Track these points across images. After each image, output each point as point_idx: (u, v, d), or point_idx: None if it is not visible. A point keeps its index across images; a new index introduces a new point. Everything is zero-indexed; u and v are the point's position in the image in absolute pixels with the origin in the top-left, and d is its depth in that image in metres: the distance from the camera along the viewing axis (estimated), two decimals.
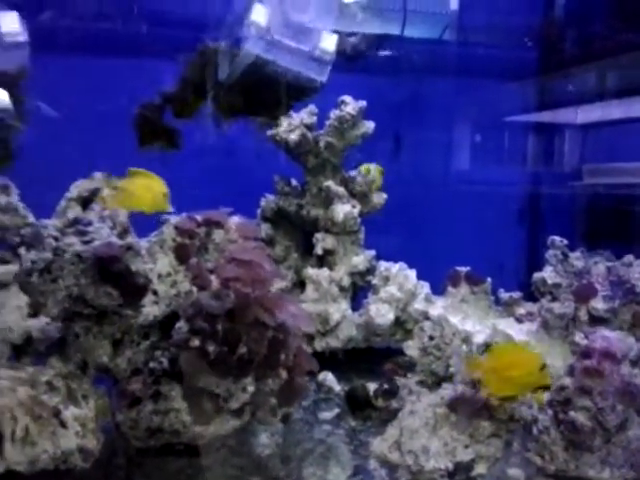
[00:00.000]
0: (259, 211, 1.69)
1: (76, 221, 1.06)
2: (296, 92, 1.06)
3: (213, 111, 1.09)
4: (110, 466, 0.99)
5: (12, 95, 0.97)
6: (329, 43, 1.02)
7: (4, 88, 0.94)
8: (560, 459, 0.99)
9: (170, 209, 0.99)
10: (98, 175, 1.36)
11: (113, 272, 1.00)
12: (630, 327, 1.27)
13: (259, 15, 0.98)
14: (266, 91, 1.03)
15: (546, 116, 2.66)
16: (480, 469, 0.95)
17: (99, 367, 1.06)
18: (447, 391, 1.00)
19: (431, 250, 2.02)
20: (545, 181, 2.61)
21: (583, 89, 2.43)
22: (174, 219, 1.11)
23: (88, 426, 0.97)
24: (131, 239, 1.07)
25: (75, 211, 1.28)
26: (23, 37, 0.97)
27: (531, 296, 1.49)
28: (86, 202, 1.33)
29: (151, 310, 1.03)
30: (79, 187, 1.32)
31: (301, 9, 1.00)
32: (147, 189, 0.99)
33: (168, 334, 1.05)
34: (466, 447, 0.94)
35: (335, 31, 1.03)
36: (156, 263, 1.05)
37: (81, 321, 1.05)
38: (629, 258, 1.42)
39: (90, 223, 1.05)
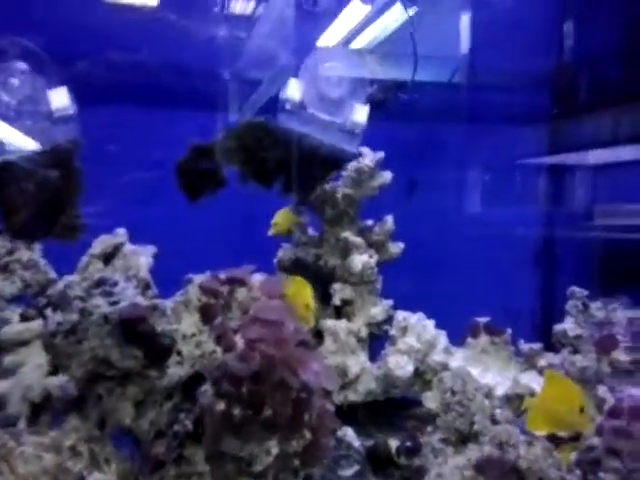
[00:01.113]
0: (276, 261, 1.70)
1: (102, 281, 1.07)
2: (331, 164, 1.08)
3: (247, 177, 1.11)
4: None
5: (70, 169, 0.99)
6: (361, 115, 1.04)
7: (60, 163, 0.97)
8: None
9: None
10: (121, 231, 1.38)
11: (138, 333, 1.01)
12: None
13: (294, 90, 1.01)
14: (302, 164, 1.06)
15: (558, 158, 2.68)
16: None
17: (121, 428, 1.06)
18: (474, 452, 0.99)
19: (445, 295, 2.01)
20: (558, 223, 2.62)
21: (595, 133, 2.45)
22: (198, 278, 1.11)
23: None
24: (156, 300, 1.08)
25: (97, 268, 1.30)
26: (72, 110, 0.99)
27: (547, 342, 1.48)
28: (108, 258, 1.35)
29: (175, 371, 1.03)
30: (102, 243, 1.35)
31: (335, 84, 1.03)
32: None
33: (191, 395, 1.05)
34: None
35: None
36: (181, 323, 1.05)
37: (104, 382, 1.05)
38: None
39: (116, 284, 1.06)
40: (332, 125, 1.05)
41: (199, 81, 2.01)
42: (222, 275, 1.14)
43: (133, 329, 1.01)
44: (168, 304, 1.10)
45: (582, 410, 0.97)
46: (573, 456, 1.02)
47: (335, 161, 1.09)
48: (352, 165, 1.58)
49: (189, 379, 1.05)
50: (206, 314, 1.08)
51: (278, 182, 1.09)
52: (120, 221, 1.46)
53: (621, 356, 1.24)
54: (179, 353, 1.04)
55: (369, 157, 1.59)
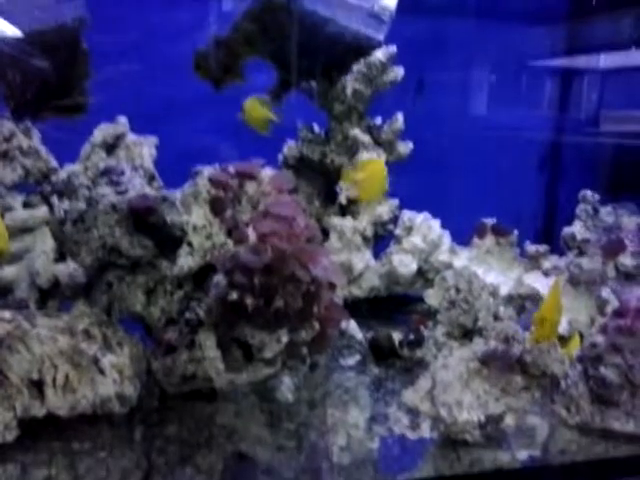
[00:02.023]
0: (281, 158, 1.66)
1: (108, 170, 1.04)
2: (355, 51, 1.02)
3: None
4: (146, 411, 1.02)
5: (76, 49, 0.93)
6: (389, 0, 0.97)
7: (65, 42, 0.91)
8: (586, 412, 1.02)
9: None
10: (123, 120, 1.34)
11: (148, 223, 1.00)
12: None
13: None
14: (325, 50, 1.00)
15: (569, 61, 2.59)
16: (509, 421, 0.97)
17: (132, 316, 1.07)
18: (479, 346, 1.01)
19: (450, 196, 2.00)
20: (565, 127, 2.57)
21: (609, 35, 2.35)
22: (206, 171, 1.09)
23: (125, 373, 0.98)
24: (164, 190, 1.06)
25: (100, 157, 1.27)
26: None
27: (550, 246, 1.49)
28: (110, 148, 1.31)
29: (186, 261, 1.03)
30: (103, 131, 1.31)
31: None
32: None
33: (201, 286, 1.05)
34: (497, 400, 0.96)
35: None
36: (191, 215, 1.04)
37: (114, 270, 1.05)
38: None
39: (123, 172, 1.04)
40: (359, 9, 0.98)
41: None
42: (231, 168, 1.12)
43: (142, 219, 1.00)
44: (176, 195, 1.08)
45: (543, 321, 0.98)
46: (576, 352, 1.05)
47: (359, 49, 1.03)
48: (363, 59, 1.51)
49: (200, 270, 1.05)
50: (216, 207, 1.07)
51: (298, 68, 1.04)
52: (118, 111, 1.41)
53: (627, 260, 1.25)
54: (189, 244, 1.04)
55: (381, 51, 1.51)
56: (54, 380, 0.92)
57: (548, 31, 2.44)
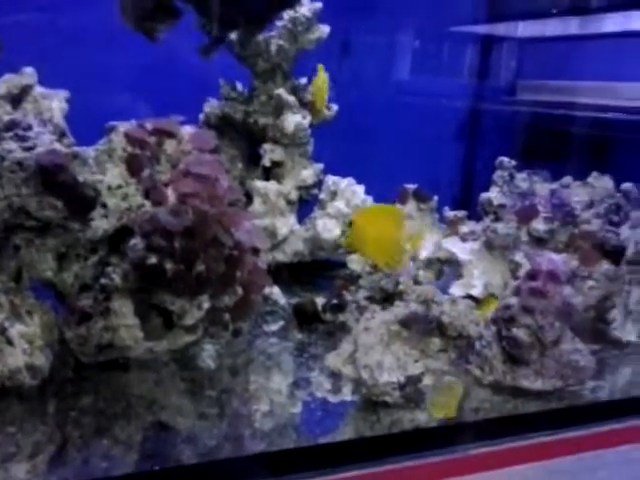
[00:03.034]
0: (201, 117, 1.60)
1: (13, 124, 0.96)
2: (278, 2, 0.97)
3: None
4: (58, 382, 0.97)
5: None
6: None
7: None
8: (498, 371, 1.06)
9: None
10: (29, 70, 1.24)
11: (58, 182, 0.93)
12: (565, 247, 1.35)
13: None
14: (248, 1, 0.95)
15: (488, 29, 2.64)
16: (427, 381, 1.00)
17: (43, 282, 1.01)
18: (400, 309, 1.03)
19: (373, 162, 2.02)
20: (483, 95, 2.63)
21: (528, 3, 2.41)
22: (122, 126, 1.03)
23: (35, 343, 0.93)
24: (75, 148, 0.99)
25: (5, 110, 1.16)
26: None
27: (470, 212, 1.54)
28: (16, 100, 1.21)
29: (100, 224, 0.97)
30: (7, 82, 1.20)
31: None
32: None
33: (118, 249, 1.00)
34: (416, 362, 0.99)
35: None
36: (105, 174, 0.98)
37: (22, 233, 0.98)
38: (567, 180, 1.48)
39: (30, 127, 0.96)
40: None
41: None
42: (149, 125, 1.06)
43: (52, 178, 0.93)
44: (89, 153, 1.02)
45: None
46: (490, 314, 1.09)
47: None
48: (288, 14, 1.46)
49: (115, 233, 1.00)
50: (133, 165, 1.01)
51: (220, 18, 0.98)
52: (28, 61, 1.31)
53: (539, 225, 1.30)
54: (104, 205, 0.98)
55: (306, 6, 1.47)
56: None
57: None
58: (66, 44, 1.64)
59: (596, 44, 2.36)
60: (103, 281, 0.97)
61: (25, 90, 1.20)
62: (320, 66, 1.48)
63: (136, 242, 0.93)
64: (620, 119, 2.00)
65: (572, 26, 2.42)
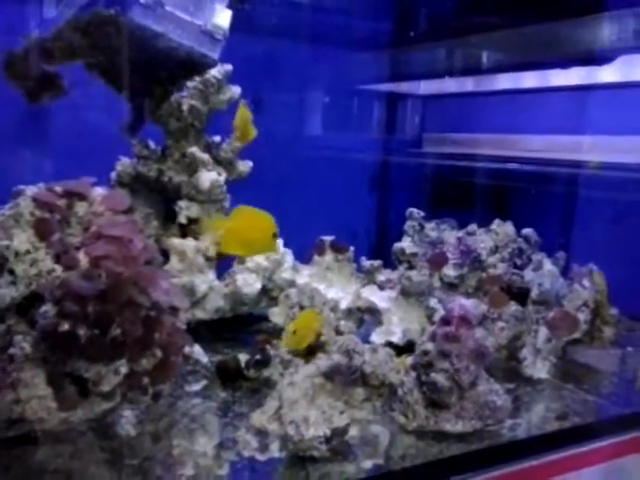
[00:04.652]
0: (113, 175, 1.58)
1: None
2: (188, 68, 0.99)
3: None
4: None
5: None
6: (223, 19, 0.97)
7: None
8: (421, 416, 1.09)
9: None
10: None
11: None
12: (475, 291, 1.42)
13: None
14: (156, 66, 0.96)
15: (394, 87, 2.79)
16: (353, 432, 1.01)
17: None
18: (322, 361, 1.04)
19: (289, 215, 2.04)
20: (392, 149, 2.75)
21: (427, 63, 2.57)
22: (29, 190, 1.00)
23: None
24: None
25: None
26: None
27: (383, 260, 1.59)
28: None
29: (7, 292, 0.93)
30: None
31: None
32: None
33: (27, 317, 0.96)
34: (342, 413, 0.99)
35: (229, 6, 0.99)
36: (12, 240, 0.94)
37: None
38: (472, 227, 1.56)
39: None
40: (192, 26, 0.96)
41: None
42: (58, 187, 1.04)
43: None
44: None
45: (275, 236, 1.09)
46: (409, 360, 1.12)
47: (194, 66, 1.01)
48: (198, 76, 1.49)
49: (24, 300, 0.95)
50: (42, 230, 0.98)
51: (130, 84, 0.99)
52: None
53: (450, 271, 1.36)
54: (11, 272, 0.94)
55: (216, 68, 1.51)
56: None
57: (375, 58, 2.61)
58: None
59: (492, 100, 2.55)
60: (12, 351, 0.92)
61: None
62: (242, 102, 1.47)
63: (47, 309, 0.89)
64: (517, 169, 2.15)
65: (469, 84, 2.61)
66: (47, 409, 0.94)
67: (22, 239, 0.96)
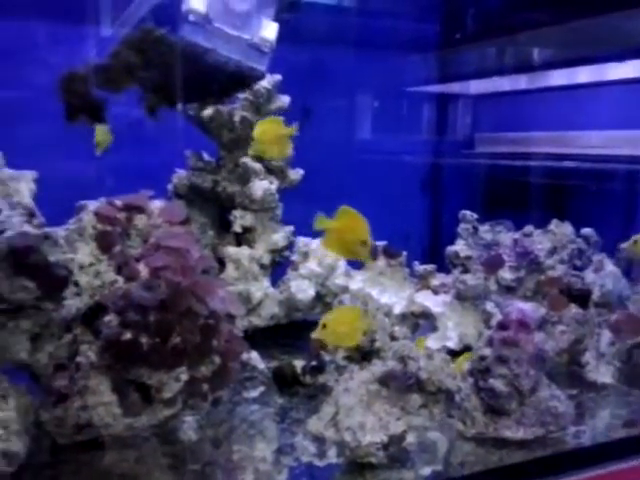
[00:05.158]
0: (170, 187, 1.63)
1: None
2: (237, 81, 1.02)
3: (148, 96, 1.03)
4: (36, 467, 0.94)
5: None
6: (269, 32, 0.99)
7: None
8: (480, 423, 1.07)
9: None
10: None
11: (30, 264, 0.93)
12: (533, 294, 1.38)
13: (198, 2, 0.93)
14: (207, 80, 0.99)
15: (443, 87, 2.76)
16: (410, 439, 1.00)
17: (16, 363, 0.99)
18: (378, 367, 1.04)
19: None
20: (443, 150, 2.72)
21: (478, 62, 2.54)
22: (92, 205, 1.04)
23: (11, 428, 0.91)
24: (45, 228, 1.00)
25: None
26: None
27: (436, 263, 1.57)
28: None
29: (73, 303, 0.98)
30: None
31: None
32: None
33: (92, 327, 1.00)
34: (398, 420, 0.99)
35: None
36: (76, 253, 0.98)
37: None
38: (529, 228, 1.53)
39: (0, 211, 0.97)
40: (239, 41, 0.99)
41: None
42: (118, 201, 1.08)
43: (23, 260, 0.94)
44: (60, 232, 1.02)
45: (364, 243, 1.07)
46: (466, 366, 1.11)
47: (243, 79, 1.04)
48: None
49: (89, 310, 1.00)
50: (103, 242, 1.03)
51: (182, 99, 1.02)
52: None
53: (506, 274, 1.34)
54: (76, 284, 0.98)
55: (266, 79, 1.53)
56: None
57: (424, 59, 2.59)
58: (29, 121, 1.67)
59: (546, 96, 2.49)
60: (78, 359, 0.96)
61: None
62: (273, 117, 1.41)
63: (110, 319, 0.93)
64: (575, 167, 2.09)
65: (522, 81, 2.56)
66: (113, 415, 0.97)
67: (85, 252, 1.00)
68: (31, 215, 1.15)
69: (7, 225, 0.96)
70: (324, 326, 1.07)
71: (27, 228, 0.97)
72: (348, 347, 1.20)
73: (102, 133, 1.28)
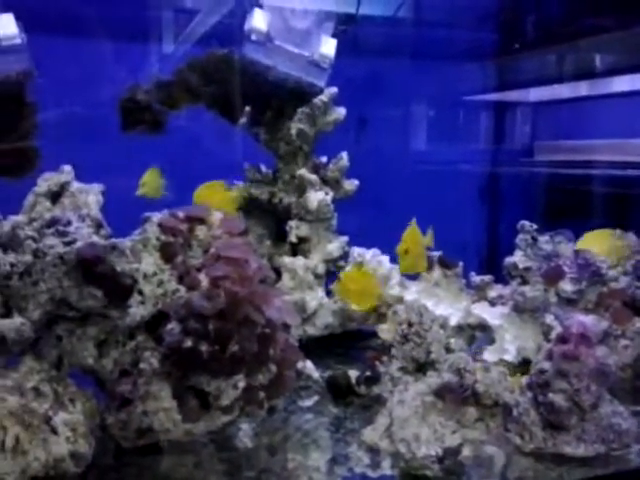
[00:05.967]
0: None
1: (55, 221, 1.02)
2: (298, 98, 1.05)
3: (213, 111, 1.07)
4: (101, 469, 0.99)
5: (20, 100, 0.92)
6: (329, 48, 1.01)
7: (10, 93, 0.89)
8: (539, 438, 1.05)
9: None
10: (67, 168, 1.32)
11: (97, 273, 0.98)
12: (595, 306, 1.34)
13: (259, 21, 0.96)
14: (269, 97, 1.03)
15: (501, 96, 2.72)
16: (466, 452, 0.99)
17: (83, 369, 1.04)
18: (433, 379, 1.03)
19: (397, 231, 2.05)
20: (501, 159, 2.68)
21: (537, 70, 2.49)
22: (155, 216, 1.09)
23: (79, 430, 0.95)
24: (113, 238, 1.04)
25: (45, 207, 1.24)
26: (21, 39, 0.91)
27: (493, 274, 1.55)
28: (55, 197, 1.29)
29: (137, 310, 1.02)
30: (47, 181, 1.28)
31: (301, 15, 0.99)
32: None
33: (155, 334, 1.04)
34: (453, 433, 0.98)
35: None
36: (141, 262, 1.03)
37: (63, 323, 1.03)
38: None
39: (70, 222, 1.02)
40: (300, 58, 1.02)
41: (129, 9, 1.89)
42: (180, 213, 1.12)
43: (92, 269, 0.98)
44: (126, 243, 1.07)
45: (407, 252, 1.19)
46: (524, 379, 1.09)
47: (302, 95, 1.07)
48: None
49: (152, 318, 1.03)
50: (166, 253, 1.06)
51: (245, 116, 1.05)
52: (60, 159, 1.40)
53: (567, 286, 1.31)
54: (140, 293, 1.02)
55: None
56: (3, 443, 0.88)
57: (481, 68, 2.57)
58: (97, 136, 1.75)
59: (608, 103, 2.42)
60: (142, 366, 1.00)
61: (63, 187, 1.28)
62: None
63: (173, 327, 0.96)
64: (637, 175, 2.02)
65: (583, 88, 2.50)
66: (172, 421, 1.01)
67: (149, 262, 1.04)
68: (99, 226, 1.21)
69: (77, 236, 1.01)
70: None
71: (95, 239, 1.02)
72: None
73: (152, 174, 1.32)
